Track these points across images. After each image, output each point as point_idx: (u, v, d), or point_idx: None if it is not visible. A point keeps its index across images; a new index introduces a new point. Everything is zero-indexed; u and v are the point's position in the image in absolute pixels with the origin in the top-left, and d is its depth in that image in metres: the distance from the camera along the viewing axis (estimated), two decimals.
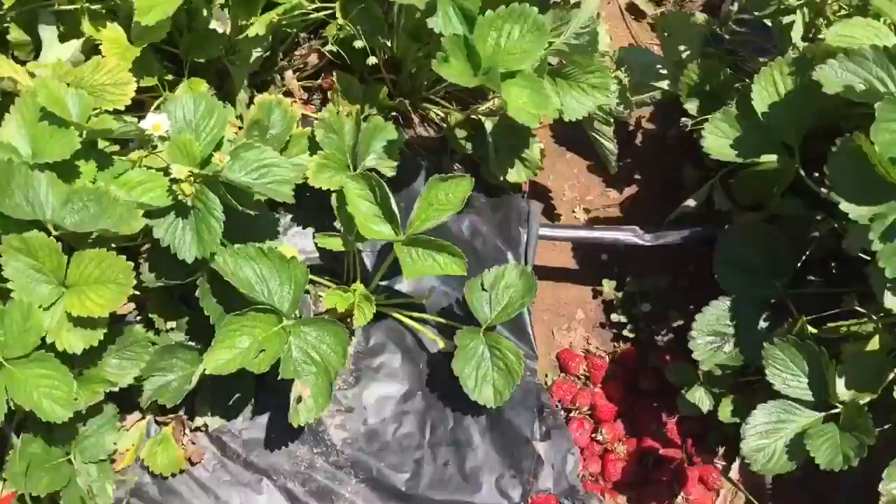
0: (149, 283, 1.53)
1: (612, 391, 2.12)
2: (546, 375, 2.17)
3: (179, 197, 1.38)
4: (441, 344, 1.78)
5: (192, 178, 1.37)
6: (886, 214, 1.45)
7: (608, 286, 2.21)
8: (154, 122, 1.39)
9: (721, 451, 2.07)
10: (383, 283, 1.87)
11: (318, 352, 1.56)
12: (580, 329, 2.22)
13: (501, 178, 1.90)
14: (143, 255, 1.61)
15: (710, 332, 1.84)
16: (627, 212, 2.30)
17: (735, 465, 2.05)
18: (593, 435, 2.09)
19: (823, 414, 1.64)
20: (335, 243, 1.73)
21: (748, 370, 1.86)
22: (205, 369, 1.44)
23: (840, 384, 1.65)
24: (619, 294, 2.20)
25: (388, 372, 1.80)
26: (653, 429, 2.09)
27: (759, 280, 1.83)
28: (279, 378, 1.49)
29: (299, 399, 1.54)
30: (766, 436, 1.66)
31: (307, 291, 1.79)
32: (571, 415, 2.11)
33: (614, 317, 2.19)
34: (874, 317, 1.68)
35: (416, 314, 1.83)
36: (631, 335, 2.17)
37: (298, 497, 1.70)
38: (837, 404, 1.62)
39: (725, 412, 1.92)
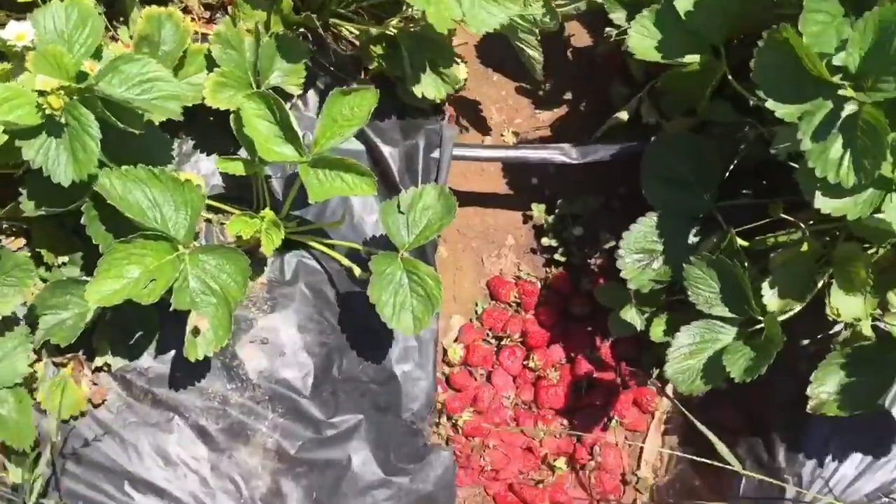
0: (29, 213, 1.42)
1: (545, 317, 2.06)
2: (476, 304, 2.10)
3: (48, 112, 1.26)
4: (357, 271, 1.69)
5: (60, 92, 1.25)
6: (814, 112, 1.38)
7: (538, 210, 2.13)
8: (17, 32, 1.26)
9: (655, 372, 2.03)
10: (296, 212, 1.77)
11: (217, 281, 1.47)
12: (511, 255, 2.15)
13: (419, 95, 1.80)
14: None
15: (639, 250, 1.78)
16: (557, 133, 2.21)
17: (669, 387, 2.01)
18: (525, 362, 2.03)
19: (748, 330, 1.59)
20: (236, 167, 1.63)
21: (679, 288, 1.80)
22: (90, 302, 1.34)
23: (769, 295, 1.60)
24: (550, 218, 2.13)
25: (304, 302, 1.71)
26: (586, 353, 2.04)
27: (687, 193, 1.76)
28: (172, 309, 1.40)
29: (196, 331, 1.45)
30: (691, 356, 1.62)
31: (209, 220, 1.69)
32: (503, 343, 2.05)
33: (545, 241, 2.12)
34: (802, 224, 1.62)
35: (330, 241, 1.74)
36: (562, 259, 2.11)
37: (212, 435, 1.62)
38: (760, 318, 1.57)
39: (657, 332, 1.87)
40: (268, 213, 1.63)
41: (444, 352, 2.04)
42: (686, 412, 1.64)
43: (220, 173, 1.72)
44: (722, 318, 1.60)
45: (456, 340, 2.06)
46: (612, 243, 2.08)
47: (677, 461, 1.92)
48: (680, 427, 1.96)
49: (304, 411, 1.65)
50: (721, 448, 1.54)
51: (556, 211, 2.13)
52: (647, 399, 2.00)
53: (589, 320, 2.07)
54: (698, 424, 1.56)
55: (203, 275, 1.47)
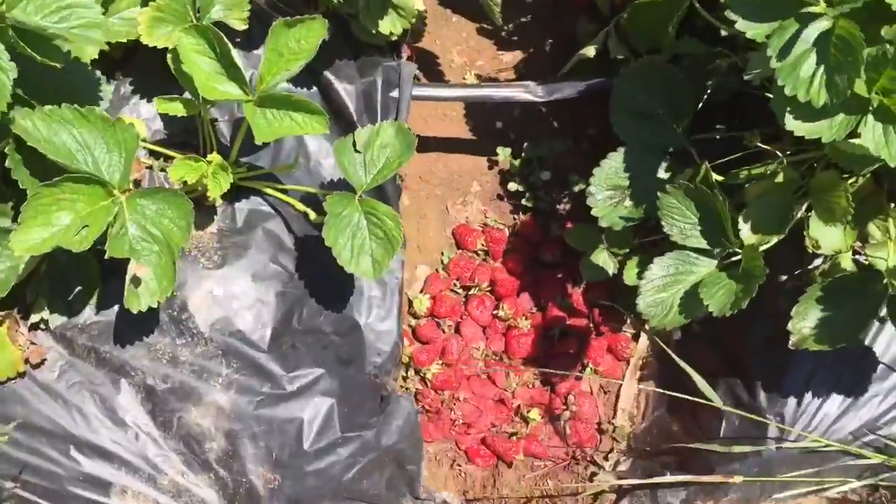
0: None
1: (514, 265, 1.98)
2: (442, 254, 2.02)
3: None
4: (312, 215, 1.59)
5: None
6: (784, 29, 1.30)
7: (504, 154, 2.05)
8: None
9: (629, 318, 1.96)
10: (248, 158, 1.67)
11: (158, 227, 1.37)
12: (476, 202, 2.06)
13: (375, 30, 1.70)
14: None
15: (610, 187, 1.70)
16: (521, 75, 2.12)
17: (643, 333, 1.94)
18: (495, 312, 1.95)
19: (724, 262, 1.52)
20: (176, 108, 1.52)
21: (652, 227, 1.73)
22: (16, 252, 1.23)
23: (745, 229, 1.53)
24: (516, 162, 2.04)
25: (258, 250, 1.61)
26: (557, 301, 1.96)
27: (659, 126, 1.68)
28: (108, 257, 1.29)
29: (137, 281, 1.35)
30: (664, 289, 1.54)
31: (151, 167, 1.58)
32: (471, 292, 1.97)
33: (512, 186, 2.03)
34: (779, 153, 1.54)
35: (283, 186, 1.64)
36: (530, 205, 2.02)
37: (161, 394, 1.52)
38: (738, 250, 1.50)
39: (630, 274, 1.79)
40: (214, 156, 1.53)
41: (410, 303, 1.96)
42: (664, 346, 1.57)
43: (161, 116, 1.61)
44: (698, 250, 1.52)
45: (422, 291, 1.97)
46: (582, 186, 1.99)
47: (654, 407, 1.85)
48: (656, 373, 1.89)
49: (262, 366, 1.56)
50: (701, 383, 1.48)
51: (523, 155, 2.05)
52: (622, 345, 1.92)
53: (559, 267, 1.99)
54: (676, 358, 1.50)
55: (143, 220, 1.36)
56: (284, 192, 1.64)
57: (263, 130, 1.44)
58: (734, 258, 1.51)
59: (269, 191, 1.64)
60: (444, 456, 1.89)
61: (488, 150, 2.07)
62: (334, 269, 1.55)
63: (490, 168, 2.08)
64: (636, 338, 1.94)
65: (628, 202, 1.69)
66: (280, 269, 1.62)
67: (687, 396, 1.51)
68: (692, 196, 1.50)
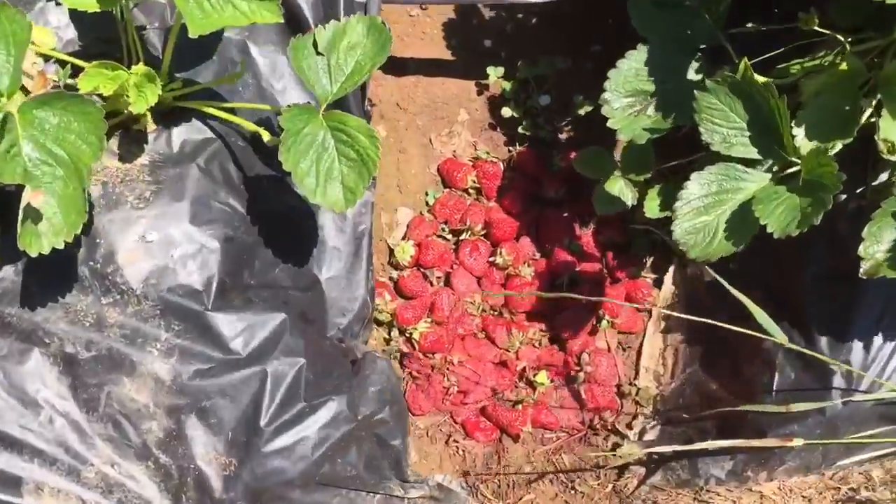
0: None
1: (511, 204, 1.69)
2: (427, 194, 1.71)
3: None
4: (266, 136, 1.29)
5: None
6: None
7: (495, 75, 1.74)
8: None
9: (649, 261, 1.66)
10: (183, 75, 1.35)
11: (62, 145, 1.05)
12: (465, 133, 1.76)
13: None
14: None
15: (630, 92, 1.40)
16: None
17: (668, 276, 1.65)
18: (492, 259, 1.65)
19: (778, 176, 1.23)
20: (89, 2, 1.20)
21: (674, 150, 1.44)
22: None
23: (800, 135, 1.24)
24: (509, 85, 1.73)
25: (200, 185, 1.30)
26: (565, 244, 1.67)
27: (688, 17, 1.38)
28: None
29: (35, 215, 1.03)
30: (706, 211, 1.25)
31: (58, 85, 1.26)
32: (462, 237, 1.67)
33: (506, 112, 1.73)
34: (840, 37, 1.25)
35: (229, 104, 1.33)
36: (528, 133, 1.73)
37: (84, 365, 1.21)
38: (796, 160, 1.21)
39: (653, 206, 1.50)
40: (140, 66, 1.21)
41: (391, 252, 1.66)
42: (717, 276, 1.27)
43: (73, 19, 1.29)
44: (746, 161, 1.23)
45: (404, 238, 1.67)
46: (588, 108, 1.71)
47: (685, 364, 1.56)
48: (684, 324, 1.60)
49: (209, 327, 1.25)
50: (760, 315, 1.19)
51: (517, 76, 1.74)
52: (642, 293, 1.63)
53: (565, 204, 1.70)
54: (730, 289, 1.20)
55: (41, 136, 1.05)
56: (232, 111, 1.32)
57: (198, 21, 1.12)
58: (791, 169, 1.22)
59: (211, 110, 1.32)
60: (438, 431, 1.59)
61: (476, 73, 1.76)
62: (293, 207, 1.25)
63: (479, 93, 1.77)
64: (658, 283, 1.65)
65: (652, 110, 1.39)
66: (227, 208, 1.31)
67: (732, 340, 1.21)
68: (739, 93, 1.21)
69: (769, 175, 1.24)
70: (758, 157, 1.23)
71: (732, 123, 1.23)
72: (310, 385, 1.26)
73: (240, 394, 1.24)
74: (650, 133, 1.36)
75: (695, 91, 1.23)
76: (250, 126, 1.30)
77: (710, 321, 1.53)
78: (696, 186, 1.25)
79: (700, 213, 1.25)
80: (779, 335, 1.23)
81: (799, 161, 1.21)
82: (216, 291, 1.25)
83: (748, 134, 1.22)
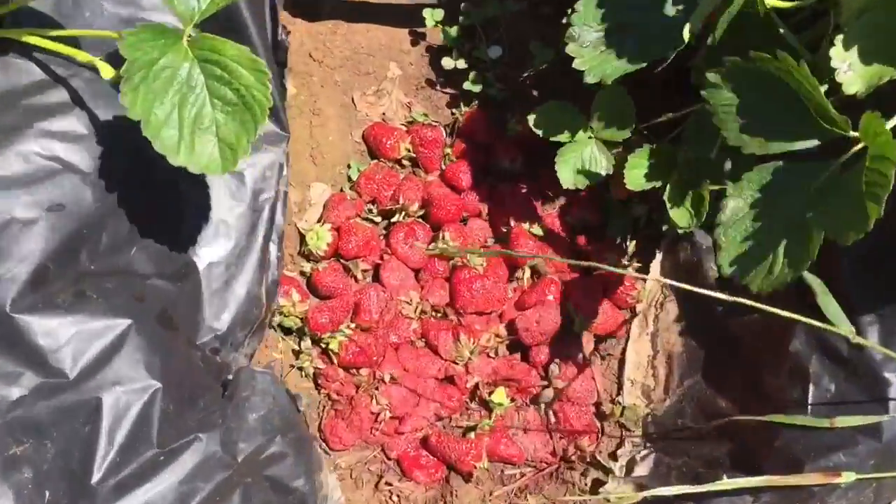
0: None
1: (456, 177, 1.34)
2: (349, 166, 1.36)
3: None
4: (106, 70, 0.92)
5: None
6: None
7: (432, 19, 1.40)
8: None
9: (630, 246, 1.32)
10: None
11: None
12: (396, 91, 1.40)
13: None
14: None
15: (602, 27, 1.06)
16: None
17: (654, 264, 1.30)
18: (432, 246, 1.29)
19: (835, 165, 0.90)
20: None
21: (655, 106, 1.11)
22: None
23: (844, 66, 0.91)
24: (453, 31, 1.39)
25: (17, 137, 0.93)
26: (524, 226, 1.32)
27: None
28: None
29: None
30: (759, 234, 0.93)
31: None
32: (394, 220, 1.31)
33: (447, 63, 1.38)
34: None
35: (60, 32, 0.96)
36: (476, 90, 1.38)
37: None
38: (849, 135, 0.88)
39: (636, 175, 1.17)
40: None
41: (302, 239, 1.29)
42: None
43: None
44: (790, 157, 0.91)
45: (320, 221, 1.31)
46: (549, 60, 1.36)
47: (683, 374, 1.22)
48: (680, 323, 1.25)
49: (19, 333, 0.86)
50: (828, 303, 0.86)
51: (460, 21, 1.39)
52: (623, 287, 1.29)
53: (523, 176, 1.35)
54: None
55: None
56: (60, 41, 0.95)
57: None
58: (850, 153, 0.88)
59: (31, 39, 0.94)
60: (365, 471, 1.22)
61: (410, 18, 1.42)
62: (162, 165, 0.88)
63: (414, 43, 1.42)
64: (643, 272, 1.31)
65: (632, 43, 1.05)
66: (58, 166, 0.93)
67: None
68: (751, 79, 0.88)
69: (828, 165, 0.90)
70: (804, 145, 0.90)
71: (758, 118, 0.90)
72: (167, 420, 0.88)
73: (62, 435, 0.85)
74: (624, 69, 1.02)
75: (702, 93, 0.91)
76: (82, 55, 0.93)
77: (709, 324, 1.21)
78: (738, 204, 0.93)
79: (751, 235, 0.92)
80: (845, 325, 0.89)
81: (849, 134, 0.87)
82: (28, 282, 0.87)
83: (782, 123, 0.89)
